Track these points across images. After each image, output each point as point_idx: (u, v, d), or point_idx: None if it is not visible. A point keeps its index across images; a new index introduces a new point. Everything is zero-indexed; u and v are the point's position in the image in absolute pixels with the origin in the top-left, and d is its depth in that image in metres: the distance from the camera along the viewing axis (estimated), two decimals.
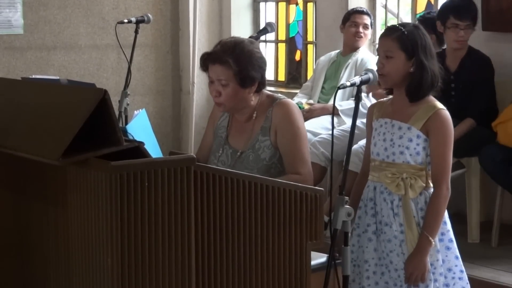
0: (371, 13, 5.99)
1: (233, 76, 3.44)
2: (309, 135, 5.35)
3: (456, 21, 4.92)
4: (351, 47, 5.80)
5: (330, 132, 5.29)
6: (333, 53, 5.96)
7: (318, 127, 5.51)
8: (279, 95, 3.68)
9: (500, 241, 4.93)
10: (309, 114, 5.61)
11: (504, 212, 5.01)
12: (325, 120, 5.57)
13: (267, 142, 3.53)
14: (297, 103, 5.62)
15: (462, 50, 5.03)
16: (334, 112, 3.31)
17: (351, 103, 5.43)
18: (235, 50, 3.45)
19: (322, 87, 5.86)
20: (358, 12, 5.81)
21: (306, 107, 5.69)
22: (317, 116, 5.63)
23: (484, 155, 4.80)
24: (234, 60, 3.42)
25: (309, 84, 6.03)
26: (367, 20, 5.78)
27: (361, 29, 5.75)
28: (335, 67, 5.84)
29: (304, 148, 3.52)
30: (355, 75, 5.39)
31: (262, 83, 3.57)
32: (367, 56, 5.73)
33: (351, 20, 5.78)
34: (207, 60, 3.50)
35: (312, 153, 5.27)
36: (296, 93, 6.16)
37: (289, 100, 3.63)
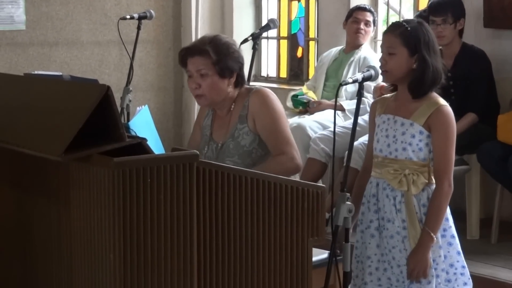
0: (374, 9, 5.99)
1: (212, 65, 3.52)
2: (316, 127, 5.44)
3: (432, 17, 5.02)
4: (352, 44, 5.81)
5: (332, 129, 5.34)
6: (335, 50, 5.97)
7: (325, 120, 5.53)
8: (256, 86, 3.76)
9: (500, 238, 4.94)
10: (317, 108, 5.67)
11: (504, 209, 5.02)
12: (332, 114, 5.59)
13: (245, 128, 3.59)
14: (298, 93, 5.69)
15: (455, 47, 5.06)
16: (336, 109, 3.32)
17: None
18: (212, 41, 3.56)
19: (325, 85, 5.87)
20: (361, 9, 5.82)
21: (314, 97, 5.75)
22: (323, 110, 5.67)
23: (482, 152, 4.82)
24: (213, 49, 3.52)
25: (311, 84, 6.05)
26: (369, 17, 5.79)
27: (362, 26, 5.76)
28: (337, 65, 5.84)
29: (285, 128, 3.59)
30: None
31: (241, 77, 3.63)
32: (369, 54, 5.73)
33: (353, 16, 5.80)
34: (186, 55, 3.58)
35: (312, 150, 5.30)
36: (298, 89, 6.16)
37: (265, 88, 3.69)
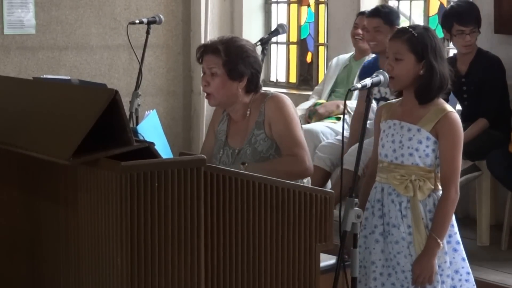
0: None
1: (222, 65, 3.56)
2: (328, 133, 5.41)
3: (461, 27, 4.92)
4: (358, 50, 5.81)
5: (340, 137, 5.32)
6: (345, 56, 5.95)
7: (338, 126, 5.51)
8: (271, 91, 3.79)
9: (510, 245, 4.91)
10: (322, 109, 5.60)
11: None
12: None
13: (262, 135, 3.60)
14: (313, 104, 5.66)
15: (471, 53, 5.03)
16: (344, 115, 3.31)
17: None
18: (227, 42, 3.61)
19: (334, 91, 5.85)
20: (362, 13, 5.79)
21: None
22: (329, 112, 5.61)
23: (492, 159, 4.80)
24: (224, 49, 3.57)
25: (319, 88, 6.03)
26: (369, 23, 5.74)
27: (359, 31, 5.72)
28: (348, 71, 5.83)
29: (298, 132, 3.60)
30: None
31: (254, 83, 3.63)
32: None
33: (355, 22, 5.81)
34: (203, 51, 3.64)
35: (317, 157, 5.25)
36: (307, 94, 6.16)
37: (280, 94, 3.71)
